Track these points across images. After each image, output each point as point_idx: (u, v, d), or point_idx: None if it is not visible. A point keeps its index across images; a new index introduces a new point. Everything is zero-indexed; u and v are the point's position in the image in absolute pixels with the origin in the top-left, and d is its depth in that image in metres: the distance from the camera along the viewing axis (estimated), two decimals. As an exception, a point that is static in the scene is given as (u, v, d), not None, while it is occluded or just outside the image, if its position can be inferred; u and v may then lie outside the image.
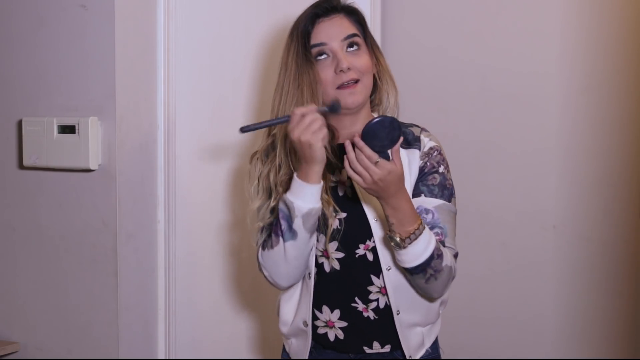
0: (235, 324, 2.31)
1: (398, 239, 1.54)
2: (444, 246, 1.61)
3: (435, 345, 1.74)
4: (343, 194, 1.68)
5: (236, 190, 2.25)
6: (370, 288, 1.65)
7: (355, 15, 1.70)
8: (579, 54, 2.39)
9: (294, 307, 1.73)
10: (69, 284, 2.02)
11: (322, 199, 1.61)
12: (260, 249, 1.66)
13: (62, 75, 2.00)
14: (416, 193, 1.64)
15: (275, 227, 1.62)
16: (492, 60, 2.49)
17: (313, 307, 1.69)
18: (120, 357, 1.97)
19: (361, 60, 1.65)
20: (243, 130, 1.54)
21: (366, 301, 1.66)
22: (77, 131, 1.95)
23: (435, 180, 1.64)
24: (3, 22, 2.07)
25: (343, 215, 1.65)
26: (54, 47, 2.00)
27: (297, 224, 1.59)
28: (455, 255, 1.65)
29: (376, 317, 1.66)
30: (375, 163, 1.47)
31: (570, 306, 2.43)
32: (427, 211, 1.62)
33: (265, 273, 1.66)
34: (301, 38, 1.65)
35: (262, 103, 2.31)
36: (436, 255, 1.56)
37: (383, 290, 1.65)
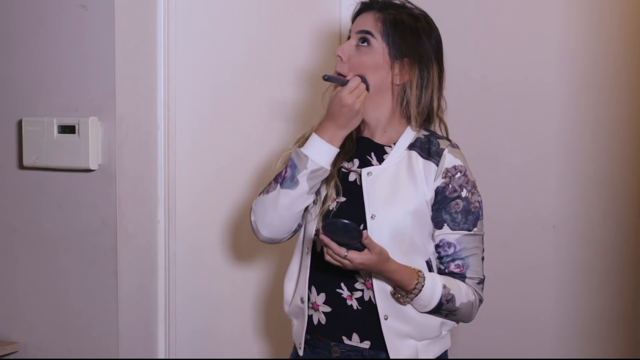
0: (235, 324, 2.31)
1: (398, 296, 1.58)
2: (465, 277, 1.61)
3: None
4: (354, 180, 1.67)
5: (236, 190, 2.25)
6: (357, 277, 1.64)
7: (384, 17, 1.65)
8: (579, 54, 2.39)
9: (294, 285, 1.74)
10: (69, 284, 2.02)
11: (331, 179, 1.64)
12: (258, 195, 1.69)
13: (62, 75, 1.99)
14: (439, 221, 1.62)
15: (277, 175, 1.65)
16: (492, 61, 2.49)
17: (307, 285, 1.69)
18: (120, 357, 1.97)
19: (361, 57, 1.64)
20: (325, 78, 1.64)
21: (351, 289, 1.64)
22: (77, 131, 1.95)
23: (458, 206, 1.62)
24: (3, 22, 2.07)
25: (342, 199, 1.66)
26: (54, 47, 2.00)
27: (303, 175, 1.61)
28: (480, 282, 1.63)
29: (359, 308, 1.64)
30: (345, 256, 1.48)
31: (570, 306, 2.42)
32: (449, 245, 1.62)
33: (252, 218, 1.69)
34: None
35: (263, 102, 2.31)
36: (445, 301, 1.57)
37: (368, 284, 1.62)
